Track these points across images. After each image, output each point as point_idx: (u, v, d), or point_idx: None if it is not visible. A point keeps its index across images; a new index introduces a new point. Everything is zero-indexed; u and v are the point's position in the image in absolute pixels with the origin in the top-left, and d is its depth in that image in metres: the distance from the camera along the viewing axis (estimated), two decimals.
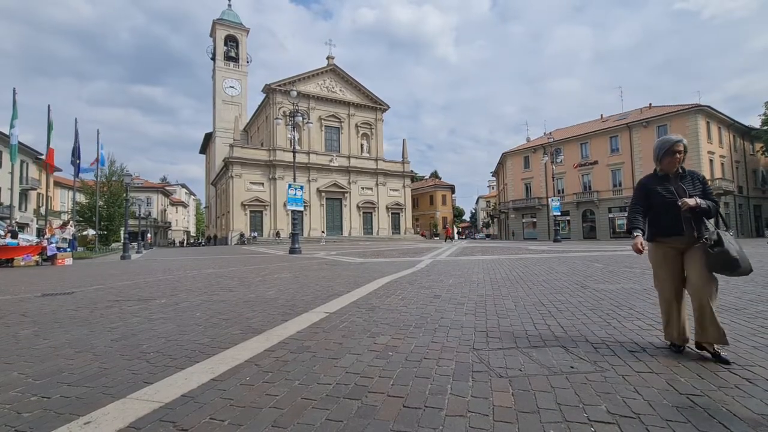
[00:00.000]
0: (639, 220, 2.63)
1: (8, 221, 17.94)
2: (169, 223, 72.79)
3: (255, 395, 1.96)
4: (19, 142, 21.36)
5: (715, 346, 2.36)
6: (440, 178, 77.02)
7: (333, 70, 46.72)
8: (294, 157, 20.00)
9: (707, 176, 32.99)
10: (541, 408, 1.77)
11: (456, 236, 63.08)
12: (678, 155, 2.51)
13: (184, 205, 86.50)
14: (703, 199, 2.43)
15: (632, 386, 1.99)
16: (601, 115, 46.31)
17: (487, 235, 65.10)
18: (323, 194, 44.18)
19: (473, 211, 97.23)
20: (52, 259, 13.61)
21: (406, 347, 2.73)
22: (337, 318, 3.70)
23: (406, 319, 3.61)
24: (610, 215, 38.61)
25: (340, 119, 46.62)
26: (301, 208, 18.92)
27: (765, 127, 35.35)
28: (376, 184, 47.94)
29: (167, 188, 74.95)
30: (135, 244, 27.61)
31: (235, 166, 40.18)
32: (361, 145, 48.25)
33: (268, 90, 43.15)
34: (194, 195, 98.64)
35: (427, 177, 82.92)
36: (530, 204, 45.19)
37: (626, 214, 2.69)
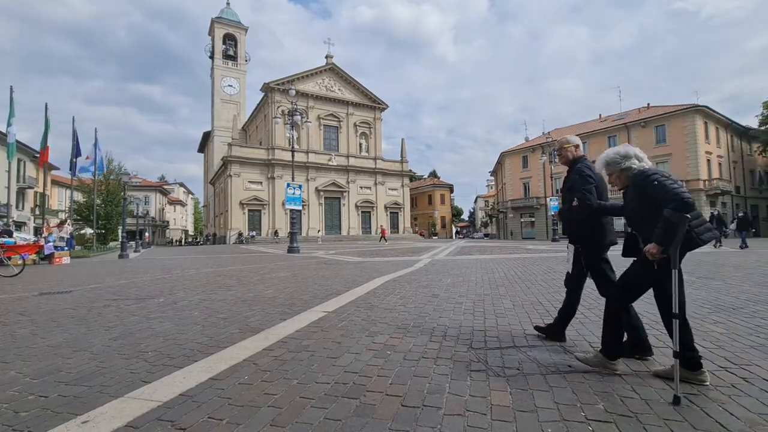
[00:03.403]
0: None
1: (4, 220, 17.85)
2: (167, 221, 72.56)
3: (253, 394, 1.96)
4: (17, 140, 21.26)
5: None
6: (439, 178, 77.07)
7: (332, 69, 46.61)
8: (293, 156, 20.02)
9: (704, 176, 33.13)
10: (539, 407, 1.77)
11: (454, 236, 63.17)
12: None
13: (183, 204, 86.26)
14: None
15: (630, 385, 2.00)
16: (600, 115, 46.38)
17: (486, 235, 65.17)
18: (322, 193, 44.12)
19: (472, 210, 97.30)
20: (49, 257, 13.53)
21: (404, 346, 2.73)
22: (335, 317, 3.70)
23: (404, 318, 3.61)
24: None
25: (338, 118, 46.53)
26: (300, 207, 18.87)
27: (762, 127, 35.47)
28: (375, 184, 47.89)
29: (165, 187, 74.64)
30: (133, 243, 27.54)
31: (234, 164, 40.09)
32: (360, 144, 48.18)
33: (267, 89, 43.02)
34: (192, 194, 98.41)
35: (426, 176, 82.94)
36: (529, 203, 45.26)
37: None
